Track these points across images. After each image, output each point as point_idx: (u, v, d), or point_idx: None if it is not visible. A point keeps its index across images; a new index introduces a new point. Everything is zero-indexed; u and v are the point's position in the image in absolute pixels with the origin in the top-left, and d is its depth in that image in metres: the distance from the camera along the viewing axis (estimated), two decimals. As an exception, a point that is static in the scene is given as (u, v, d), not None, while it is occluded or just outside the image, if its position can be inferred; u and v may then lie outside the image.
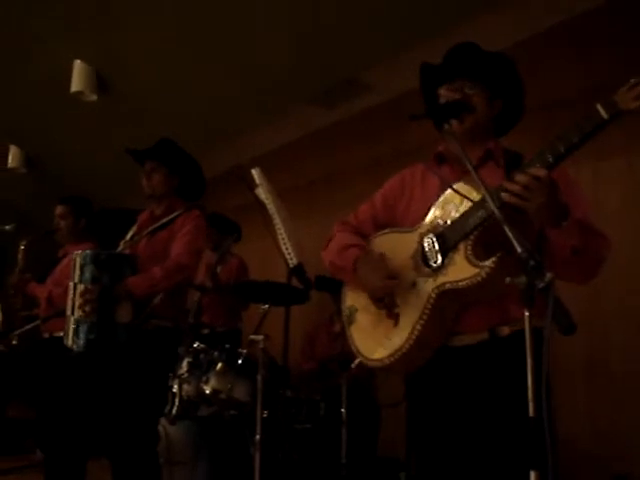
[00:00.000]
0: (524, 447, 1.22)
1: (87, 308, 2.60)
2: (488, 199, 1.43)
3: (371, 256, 1.77)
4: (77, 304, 2.66)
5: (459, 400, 1.64)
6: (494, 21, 3.55)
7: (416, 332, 1.60)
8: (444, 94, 1.77)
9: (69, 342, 2.72)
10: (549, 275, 1.22)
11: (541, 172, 1.41)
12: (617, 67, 2.95)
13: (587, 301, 2.91)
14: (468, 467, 1.60)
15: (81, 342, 2.61)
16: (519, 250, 1.27)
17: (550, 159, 1.42)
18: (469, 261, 1.54)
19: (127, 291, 2.65)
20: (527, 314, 1.25)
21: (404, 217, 1.82)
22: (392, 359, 1.65)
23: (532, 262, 1.24)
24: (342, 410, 3.13)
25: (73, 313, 2.70)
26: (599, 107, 1.35)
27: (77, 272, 2.72)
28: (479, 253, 1.54)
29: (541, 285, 1.22)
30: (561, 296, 1.38)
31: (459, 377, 1.65)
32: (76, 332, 2.65)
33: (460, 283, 1.54)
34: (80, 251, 2.78)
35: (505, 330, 1.60)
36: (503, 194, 1.44)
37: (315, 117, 5.05)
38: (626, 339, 3.00)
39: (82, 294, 2.63)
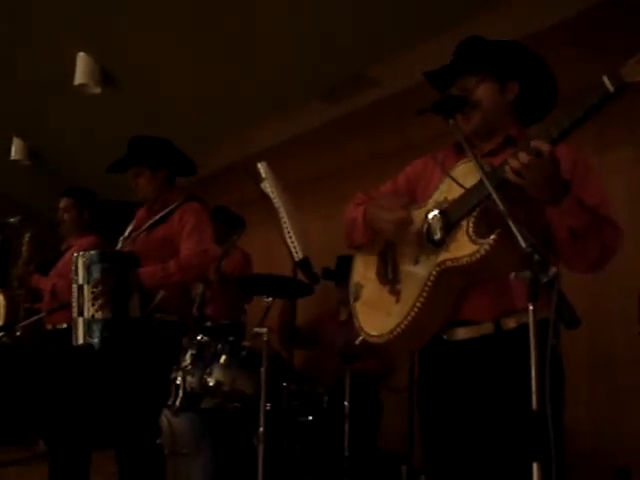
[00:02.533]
0: (528, 441, 1.21)
1: (100, 301, 2.55)
2: (484, 180, 1.42)
3: (381, 198, 1.75)
4: (88, 302, 2.62)
5: (465, 398, 1.63)
6: (496, 19, 3.54)
7: (415, 309, 1.58)
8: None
9: (80, 342, 2.67)
10: (553, 269, 1.21)
11: (545, 146, 1.37)
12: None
13: (592, 294, 2.91)
14: (475, 465, 1.60)
15: (96, 341, 2.57)
16: (523, 245, 1.26)
17: (554, 134, 1.39)
18: (470, 238, 1.51)
19: (138, 281, 2.61)
20: (531, 308, 1.24)
21: (421, 199, 1.79)
22: (391, 335, 1.63)
23: (536, 256, 1.23)
24: (345, 403, 3.14)
25: (82, 314, 2.66)
26: (605, 79, 1.30)
27: (82, 273, 2.68)
28: (482, 231, 1.50)
29: (545, 280, 1.21)
30: (565, 288, 1.38)
31: (464, 375, 1.63)
32: (89, 332, 2.60)
33: (460, 260, 1.51)
34: (82, 252, 2.74)
35: (510, 323, 1.57)
36: (506, 170, 1.42)
37: (319, 112, 5.04)
38: (630, 334, 3.00)
39: (93, 288, 2.58)
